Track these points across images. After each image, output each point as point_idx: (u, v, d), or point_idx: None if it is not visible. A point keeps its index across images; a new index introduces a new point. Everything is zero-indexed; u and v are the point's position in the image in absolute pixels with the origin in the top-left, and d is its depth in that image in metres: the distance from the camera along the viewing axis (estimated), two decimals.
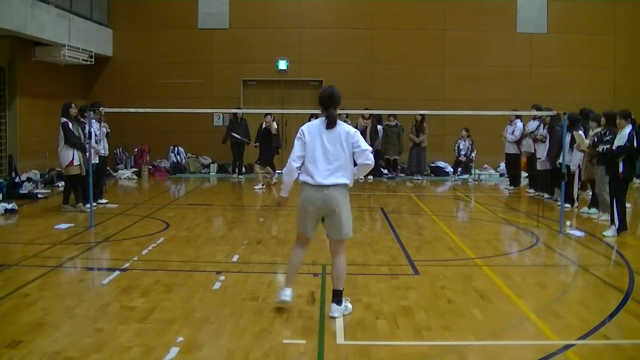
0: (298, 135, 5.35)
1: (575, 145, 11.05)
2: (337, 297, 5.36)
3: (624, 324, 5.34)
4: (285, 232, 9.29)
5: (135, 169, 17.17)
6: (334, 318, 5.26)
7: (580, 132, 10.85)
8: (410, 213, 11.36)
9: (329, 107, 5.32)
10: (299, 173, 5.37)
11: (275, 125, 15.05)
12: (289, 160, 5.33)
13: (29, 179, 13.62)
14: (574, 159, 11.15)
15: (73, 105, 10.89)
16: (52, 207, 11.31)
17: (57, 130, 10.81)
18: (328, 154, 5.24)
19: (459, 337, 4.98)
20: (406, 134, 16.84)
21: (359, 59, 18.07)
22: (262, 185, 14.60)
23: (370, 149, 5.38)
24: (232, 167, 17.02)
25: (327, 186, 5.22)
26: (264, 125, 14.78)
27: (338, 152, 5.25)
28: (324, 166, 5.23)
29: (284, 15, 18.15)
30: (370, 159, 5.28)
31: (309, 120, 16.50)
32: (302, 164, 5.29)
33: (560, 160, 10.17)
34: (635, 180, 14.59)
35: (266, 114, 15.15)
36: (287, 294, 5.44)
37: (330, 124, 5.27)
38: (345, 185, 5.32)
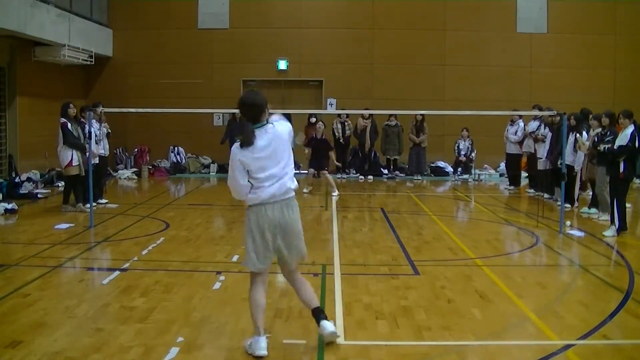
0: (233, 148, 4.66)
1: (576, 146, 11.05)
2: (322, 313, 4.74)
3: (624, 324, 5.34)
4: None
5: (135, 169, 17.17)
6: (334, 333, 4.69)
7: (583, 133, 10.86)
8: (410, 213, 11.36)
9: (243, 129, 4.55)
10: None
11: (323, 126, 14.41)
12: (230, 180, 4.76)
13: (29, 179, 13.63)
14: (578, 159, 11.13)
15: (72, 105, 10.89)
16: (52, 207, 11.31)
17: (57, 130, 10.80)
18: (271, 163, 4.54)
19: (459, 337, 4.98)
20: (406, 134, 16.83)
21: (359, 59, 18.06)
22: (337, 192, 13.13)
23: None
24: None
25: (283, 201, 4.56)
26: (317, 135, 14.11)
27: (278, 162, 4.55)
28: (271, 177, 4.54)
29: (284, 15, 18.14)
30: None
31: (308, 121, 16.28)
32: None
33: (561, 160, 10.16)
34: (636, 180, 14.58)
35: (315, 121, 15.00)
36: (264, 347, 4.48)
37: (248, 140, 4.49)
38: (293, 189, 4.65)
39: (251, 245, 4.58)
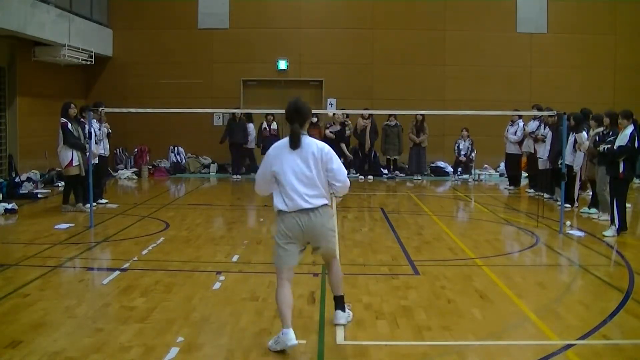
0: (263, 162, 4.88)
1: (576, 146, 11.06)
2: (341, 304, 5.08)
3: (624, 324, 5.34)
4: None
5: (135, 169, 17.16)
6: (339, 325, 5.03)
7: (583, 133, 10.85)
8: (410, 213, 11.36)
9: (294, 122, 4.70)
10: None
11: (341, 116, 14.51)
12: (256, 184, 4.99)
13: (29, 179, 13.62)
14: (577, 159, 11.13)
15: (73, 105, 10.89)
16: (52, 207, 11.31)
17: (57, 130, 10.81)
18: (299, 178, 4.66)
19: (459, 337, 4.98)
20: (406, 134, 16.83)
21: (359, 59, 18.06)
22: None
23: (344, 169, 4.82)
24: (231, 167, 17.03)
25: (310, 210, 4.68)
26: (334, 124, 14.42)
27: (310, 175, 4.67)
28: (301, 190, 4.66)
29: (284, 15, 18.14)
30: (343, 180, 4.76)
31: (311, 120, 16.39)
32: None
33: (561, 160, 10.16)
34: (635, 180, 14.59)
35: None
36: (293, 337, 4.52)
37: (294, 143, 4.66)
38: (327, 205, 4.80)
39: (277, 243, 4.83)
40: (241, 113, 16.72)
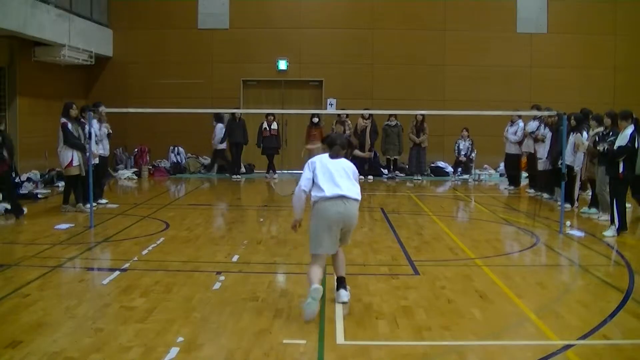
0: (308, 164, 5.69)
1: (575, 147, 11.05)
2: (343, 284, 5.74)
3: (624, 324, 5.34)
4: (285, 232, 9.29)
5: (135, 169, 17.16)
6: (344, 303, 5.56)
7: (584, 133, 10.86)
8: (410, 213, 11.36)
9: (334, 146, 5.76)
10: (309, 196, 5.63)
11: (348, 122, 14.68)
12: (298, 187, 5.61)
13: (29, 179, 13.63)
14: (577, 160, 11.13)
15: (74, 105, 10.89)
16: (52, 207, 11.32)
17: (57, 131, 10.80)
18: (341, 175, 5.59)
19: (459, 337, 4.98)
20: (406, 134, 16.83)
21: (359, 59, 18.06)
22: None
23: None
24: (231, 167, 17.02)
25: (348, 198, 5.50)
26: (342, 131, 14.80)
27: (347, 174, 5.63)
28: (342, 182, 5.54)
29: (284, 15, 18.14)
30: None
31: (310, 121, 16.73)
32: (311, 189, 5.60)
33: (561, 161, 10.15)
34: None
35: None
36: (318, 286, 5.31)
37: (334, 156, 5.71)
38: (359, 201, 5.64)
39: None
40: (236, 113, 16.68)
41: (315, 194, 5.56)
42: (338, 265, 5.76)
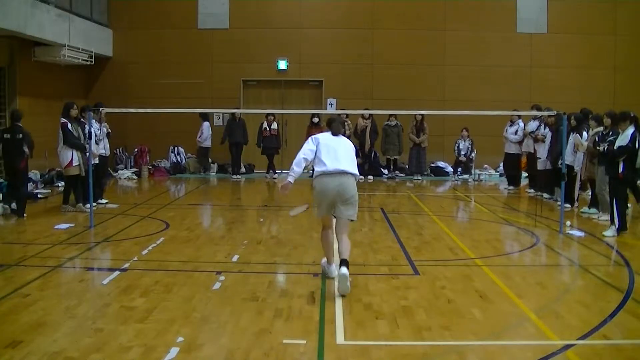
0: (312, 138, 6.45)
1: (575, 147, 11.05)
2: (346, 264, 6.08)
3: (624, 324, 5.34)
4: (285, 232, 9.29)
5: (135, 169, 17.16)
6: (346, 276, 5.91)
7: (584, 133, 10.85)
8: (410, 213, 11.36)
9: (334, 122, 6.65)
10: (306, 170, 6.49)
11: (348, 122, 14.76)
12: (300, 155, 6.36)
13: (29, 179, 13.59)
14: (578, 159, 11.13)
15: (75, 106, 10.89)
16: (52, 207, 11.32)
17: (57, 131, 10.81)
18: (342, 152, 6.32)
19: (459, 337, 4.98)
20: (406, 134, 16.83)
21: (359, 59, 18.06)
22: None
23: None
24: (231, 167, 17.04)
25: (347, 173, 6.22)
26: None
27: (347, 152, 6.38)
28: (342, 159, 6.27)
29: (284, 15, 18.15)
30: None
31: (311, 121, 16.90)
32: (312, 161, 6.37)
33: (561, 161, 10.15)
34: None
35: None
36: (334, 271, 6.33)
37: (336, 133, 6.52)
38: (356, 176, 6.35)
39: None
40: (236, 113, 16.71)
41: (317, 168, 6.28)
42: (343, 249, 6.24)
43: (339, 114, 16.34)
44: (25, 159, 10.36)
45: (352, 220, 6.46)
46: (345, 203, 6.29)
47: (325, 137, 6.45)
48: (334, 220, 6.50)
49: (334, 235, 6.53)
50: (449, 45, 18.10)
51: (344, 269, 5.99)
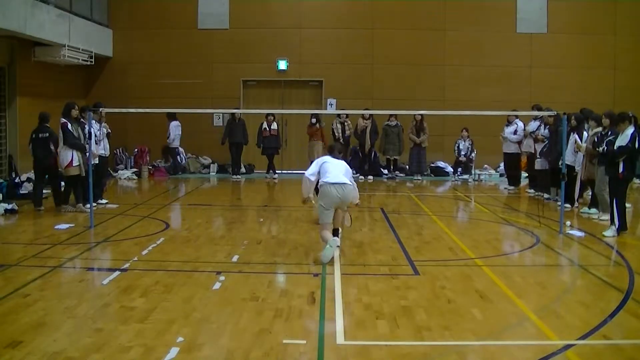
0: (317, 161, 7.88)
1: (574, 147, 11.05)
2: (337, 232, 7.69)
3: (624, 324, 5.34)
4: (285, 232, 9.29)
5: (135, 169, 17.16)
6: (338, 247, 7.37)
7: (584, 133, 10.85)
8: (410, 213, 11.36)
9: (334, 150, 8.15)
10: (317, 184, 7.71)
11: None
12: (306, 175, 7.74)
13: (29, 179, 13.57)
14: (578, 160, 11.12)
15: (76, 106, 10.90)
16: (52, 207, 11.31)
17: (57, 131, 10.81)
18: (341, 170, 7.71)
19: (459, 337, 4.98)
20: (406, 134, 16.83)
21: (359, 59, 18.06)
22: None
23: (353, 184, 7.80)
24: (231, 167, 17.03)
25: (344, 184, 7.53)
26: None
27: (346, 170, 7.81)
28: (339, 174, 7.63)
29: (284, 15, 18.14)
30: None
31: (310, 121, 17.15)
32: (317, 178, 7.70)
33: (561, 161, 10.14)
34: (636, 180, 14.58)
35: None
36: (330, 251, 7.29)
37: (335, 156, 8.00)
38: (350, 184, 7.67)
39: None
40: (240, 113, 16.72)
41: (322, 180, 7.58)
42: (337, 220, 7.68)
43: (339, 114, 16.48)
44: (54, 157, 10.98)
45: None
46: (343, 206, 7.69)
47: (327, 158, 7.89)
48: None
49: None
50: (449, 45, 18.10)
51: (336, 239, 7.44)
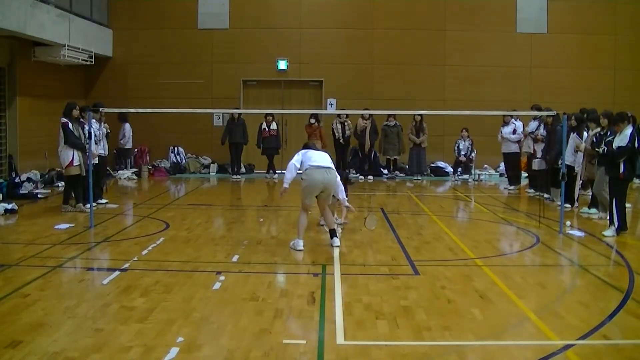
0: (300, 153, 8.10)
1: (574, 148, 11.05)
2: (334, 234, 8.09)
3: (624, 324, 5.34)
4: (285, 232, 9.29)
5: (135, 169, 17.15)
6: (337, 247, 7.89)
7: (584, 133, 10.84)
8: (410, 213, 11.36)
9: (314, 146, 8.49)
10: (299, 173, 7.97)
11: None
12: (291, 162, 7.93)
13: (29, 179, 13.61)
14: (578, 160, 11.12)
15: (77, 106, 10.90)
16: (52, 207, 11.31)
17: (57, 130, 10.81)
18: (324, 158, 8.06)
19: (459, 337, 4.98)
20: (406, 134, 16.83)
21: (359, 59, 18.06)
22: None
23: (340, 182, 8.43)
24: (231, 167, 17.03)
25: (329, 168, 7.90)
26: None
27: (329, 158, 8.16)
28: (325, 161, 8.00)
29: (284, 15, 18.14)
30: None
31: (309, 120, 17.18)
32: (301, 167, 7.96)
33: (561, 161, 10.14)
34: (635, 180, 14.58)
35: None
36: (301, 245, 7.92)
37: (317, 149, 8.36)
38: (335, 171, 8.08)
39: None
40: (240, 113, 16.68)
41: (307, 163, 7.87)
42: (328, 221, 8.20)
43: (339, 114, 16.48)
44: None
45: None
46: (327, 193, 8.01)
47: (310, 150, 8.20)
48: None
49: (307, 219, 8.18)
50: (449, 45, 18.10)
51: (335, 240, 8.03)
